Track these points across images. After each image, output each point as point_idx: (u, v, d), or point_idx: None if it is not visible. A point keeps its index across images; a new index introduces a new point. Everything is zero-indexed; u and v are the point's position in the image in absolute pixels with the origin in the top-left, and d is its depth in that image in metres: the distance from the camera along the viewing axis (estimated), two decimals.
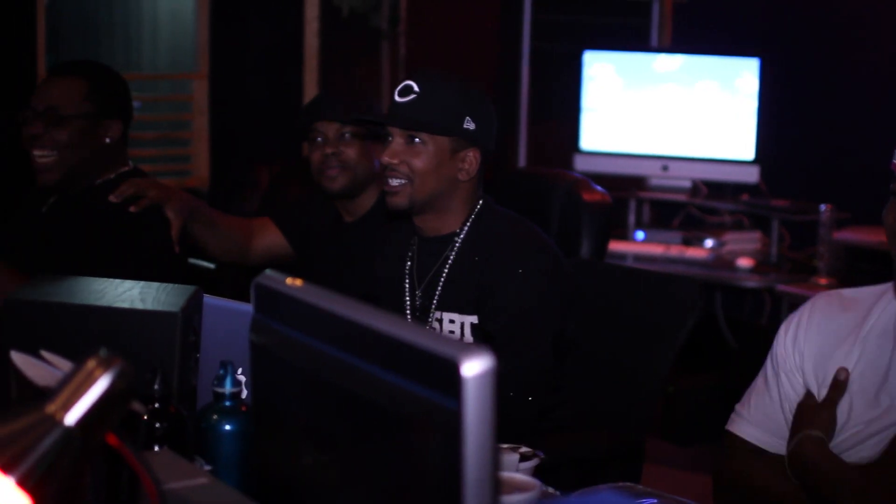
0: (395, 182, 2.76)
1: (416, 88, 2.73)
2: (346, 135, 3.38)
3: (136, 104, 5.53)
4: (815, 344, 2.24)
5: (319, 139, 3.39)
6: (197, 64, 5.59)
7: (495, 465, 1.29)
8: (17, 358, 1.68)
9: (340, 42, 5.91)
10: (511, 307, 2.73)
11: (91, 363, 1.33)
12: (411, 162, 2.74)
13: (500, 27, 6.02)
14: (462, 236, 2.83)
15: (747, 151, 5.56)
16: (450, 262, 2.83)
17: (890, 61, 5.47)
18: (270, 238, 3.63)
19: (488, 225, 2.83)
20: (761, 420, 2.29)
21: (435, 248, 2.86)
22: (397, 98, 2.76)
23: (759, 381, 2.34)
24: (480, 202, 2.86)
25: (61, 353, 1.72)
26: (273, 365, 1.62)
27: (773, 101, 5.54)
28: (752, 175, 5.56)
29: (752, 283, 5.28)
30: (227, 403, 1.89)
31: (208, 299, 2.16)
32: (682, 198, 5.74)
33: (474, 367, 1.26)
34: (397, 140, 2.76)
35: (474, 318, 2.77)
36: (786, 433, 2.23)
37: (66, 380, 1.33)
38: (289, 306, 1.58)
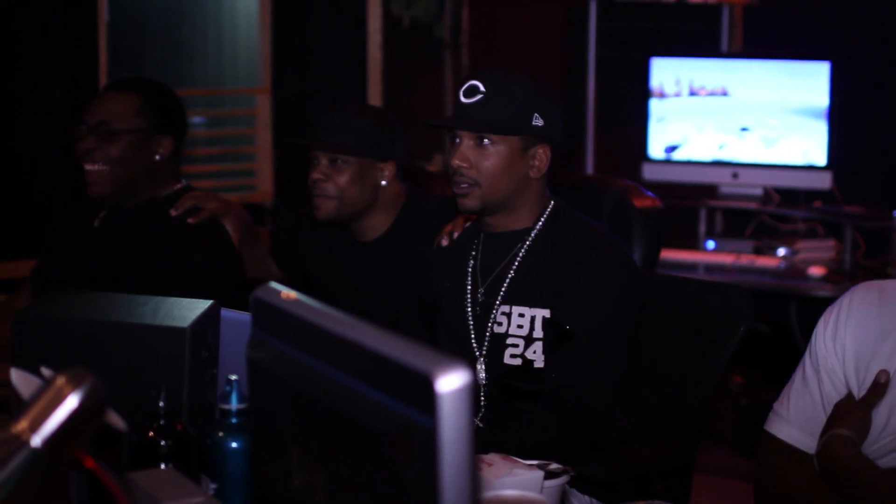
0: (463, 185, 2.71)
1: (481, 88, 2.67)
2: (339, 161, 3.23)
3: (198, 119, 5.58)
4: (855, 339, 2.15)
5: (315, 161, 3.27)
6: (260, 79, 5.59)
7: (473, 482, 1.24)
8: (16, 375, 1.65)
9: (403, 53, 5.88)
10: (590, 303, 2.68)
11: (60, 380, 1.30)
12: (480, 165, 2.69)
13: (565, 35, 5.95)
14: (535, 232, 2.78)
15: (819, 157, 5.43)
16: (520, 256, 2.77)
17: None
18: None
19: (565, 223, 2.78)
20: (801, 420, 2.20)
21: (503, 245, 2.81)
22: (463, 99, 2.70)
23: (797, 378, 2.25)
24: (552, 201, 2.81)
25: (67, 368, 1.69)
26: (267, 380, 1.58)
27: (845, 106, 5.41)
28: (824, 181, 5.44)
29: (824, 292, 5.14)
30: (234, 420, 1.85)
31: (229, 313, 2.12)
32: (753, 206, 5.63)
33: (450, 383, 1.20)
34: (466, 142, 2.71)
35: (546, 312, 2.70)
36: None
37: (35, 398, 1.30)
38: (283, 321, 1.54)
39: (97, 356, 1.88)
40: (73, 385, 1.29)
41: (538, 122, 2.68)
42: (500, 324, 2.75)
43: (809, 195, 5.59)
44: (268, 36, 5.55)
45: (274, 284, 1.63)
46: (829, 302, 5.38)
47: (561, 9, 5.79)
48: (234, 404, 1.84)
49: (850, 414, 2.07)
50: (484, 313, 2.79)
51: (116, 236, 3.28)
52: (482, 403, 2.74)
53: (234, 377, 1.84)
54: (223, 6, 5.59)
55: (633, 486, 2.70)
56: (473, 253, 2.86)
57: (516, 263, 2.78)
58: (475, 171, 2.69)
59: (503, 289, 2.77)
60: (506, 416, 2.71)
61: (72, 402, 1.28)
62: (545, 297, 2.71)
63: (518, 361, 2.71)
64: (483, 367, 2.75)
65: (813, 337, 2.22)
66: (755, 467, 2.27)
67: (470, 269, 2.85)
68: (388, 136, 3.29)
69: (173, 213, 3.23)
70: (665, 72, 5.65)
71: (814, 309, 5.59)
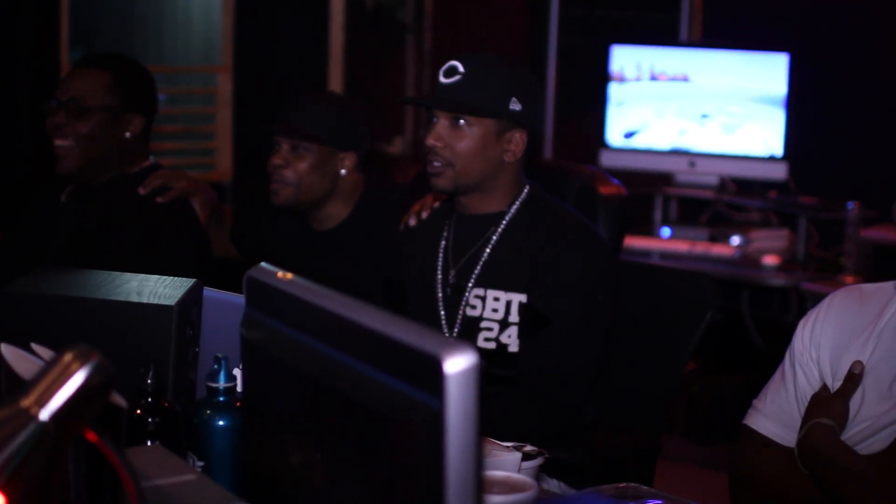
0: (437, 164, 2.72)
1: (461, 69, 2.69)
2: (301, 147, 3.22)
3: (161, 97, 5.55)
4: (831, 337, 2.22)
5: (276, 146, 3.26)
6: (221, 57, 5.57)
7: (479, 463, 1.26)
8: (7, 350, 1.65)
9: (366, 36, 5.88)
10: (567, 288, 2.69)
11: (68, 356, 1.31)
12: (455, 145, 2.70)
13: (527, 22, 5.98)
14: (510, 215, 2.80)
15: (776, 148, 5.49)
16: (494, 239, 2.79)
17: None
18: None
19: (541, 207, 2.80)
20: (776, 413, 2.27)
21: (476, 226, 2.82)
22: (442, 79, 2.71)
23: (776, 375, 2.32)
24: (528, 186, 2.82)
25: (55, 347, 1.69)
26: (262, 360, 1.59)
27: (802, 98, 5.48)
28: (780, 172, 5.50)
29: (778, 281, 5.21)
30: (221, 398, 1.85)
31: (210, 292, 2.13)
32: (709, 194, 5.68)
33: (457, 364, 1.22)
34: (441, 122, 2.72)
35: (523, 297, 2.72)
36: (798, 427, 2.21)
37: (42, 373, 1.30)
38: (279, 301, 1.55)
39: (83, 333, 1.87)
40: (81, 361, 1.30)
41: (515, 106, 2.69)
42: (473, 307, 2.77)
43: (765, 185, 5.65)
44: (230, 15, 5.54)
45: (266, 265, 1.64)
46: (781, 291, 5.47)
47: None
48: (221, 382, 1.85)
49: (829, 404, 2.13)
50: (455, 295, 2.80)
51: (84, 213, 3.27)
52: None
53: (222, 355, 1.85)
54: None
55: (601, 471, 2.73)
56: (445, 234, 2.87)
57: (490, 246, 2.79)
58: (449, 152, 2.70)
59: (476, 271, 2.79)
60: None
61: (79, 378, 1.29)
62: (521, 281, 2.72)
63: (492, 345, 2.73)
64: None
65: (794, 336, 2.29)
66: (732, 460, 2.32)
67: (441, 251, 2.86)
68: (352, 126, 3.29)
69: (141, 191, 3.22)
70: (626, 57, 5.68)
71: (766, 298, 5.66)
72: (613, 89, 5.69)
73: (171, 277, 2.06)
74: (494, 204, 2.80)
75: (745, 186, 5.72)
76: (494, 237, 2.79)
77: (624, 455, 2.84)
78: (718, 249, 5.36)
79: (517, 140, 2.74)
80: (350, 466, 1.40)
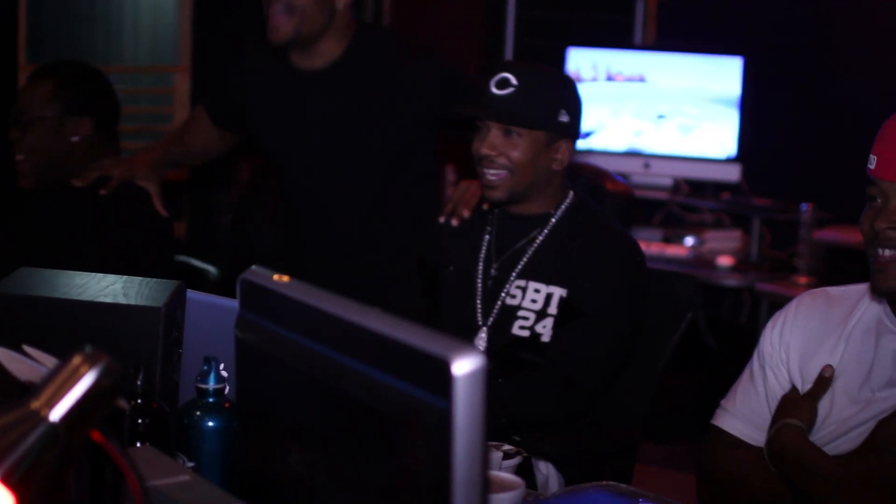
0: (493, 172, 2.82)
1: (513, 81, 2.78)
2: None
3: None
4: (800, 340, 2.27)
5: None
6: (178, 57, 5.56)
7: (485, 464, 1.29)
8: (1, 352, 1.66)
9: None
10: (605, 288, 2.81)
11: (77, 359, 1.32)
12: (509, 153, 2.80)
13: (485, 24, 6.01)
14: (556, 218, 2.90)
15: (729, 150, 5.56)
16: (539, 239, 2.89)
17: (873, 60, 5.48)
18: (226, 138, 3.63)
19: (586, 213, 2.91)
20: (746, 414, 2.31)
21: (522, 225, 2.91)
22: (495, 90, 2.79)
23: (744, 376, 2.36)
24: (571, 191, 2.93)
25: (44, 348, 1.70)
26: (259, 362, 1.60)
27: (755, 100, 5.54)
28: (733, 174, 5.56)
29: (731, 281, 5.27)
30: (211, 400, 1.87)
31: (192, 294, 2.14)
32: (663, 196, 5.74)
33: (465, 366, 1.25)
34: (494, 132, 2.81)
35: (563, 292, 2.83)
36: (766, 427, 2.25)
37: (52, 376, 1.31)
38: (276, 303, 1.57)
39: (70, 335, 1.89)
40: (90, 364, 1.31)
41: (564, 118, 2.82)
42: (513, 296, 2.87)
43: (718, 187, 5.71)
44: (188, 13, 5.53)
45: (259, 268, 1.66)
46: (734, 292, 5.52)
47: None
48: (211, 384, 1.87)
49: (798, 406, 2.17)
50: (495, 287, 2.90)
51: (41, 221, 3.27)
52: None
53: (212, 357, 1.86)
54: None
55: (582, 466, 2.79)
56: (489, 229, 2.96)
57: (536, 244, 2.89)
58: (505, 159, 2.80)
59: (521, 265, 2.88)
60: (500, 380, 2.81)
61: (88, 380, 1.30)
62: (563, 277, 2.83)
63: (526, 333, 2.84)
64: (485, 336, 2.87)
65: (761, 338, 2.34)
66: (701, 460, 2.36)
67: (485, 244, 2.95)
68: None
69: (77, 183, 3.22)
70: (582, 59, 5.73)
71: (718, 298, 5.72)
72: None
73: (156, 280, 2.07)
74: (540, 207, 2.90)
75: (698, 188, 5.78)
76: (540, 237, 2.89)
77: (606, 450, 2.89)
78: (673, 250, 5.41)
79: (564, 149, 2.85)
80: (354, 467, 1.42)
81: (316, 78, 3.36)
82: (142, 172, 3.30)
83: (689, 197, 5.75)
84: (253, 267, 1.66)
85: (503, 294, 2.88)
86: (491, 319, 2.88)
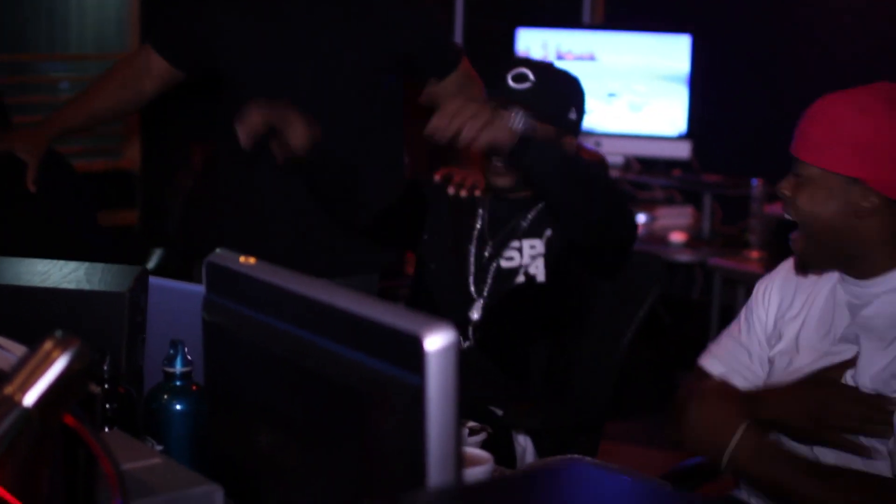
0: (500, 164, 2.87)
1: (531, 77, 2.82)
2: None
3: (63, 84, 5.51)
4: (776, 302, 2.38)
5: None
6: (126, 43, 5.52)
7: (458, 439, 1.30)
8: None
9: None
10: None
11: (48, 344, 1.32)
12: None
13: (435, 4, 6.00)
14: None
15: (679, 127, 5.60)
16: (531, 215, 2.94)
17: (822, 36, 5.53)
18: (157, 69, 3.48)
19: None
20: (725, 357, 2.42)
21: (512, 207, 2.96)
22: (513, 84, 2.83)
23: (733, 324, 2.48)
24: None
25: (9, 336, 1.70)
26: (227, 344, 1.61)
27: (704, 78, 5.58)
28: (684, 151, 5.61)
29: (684, 257, 5.32)
30: (178, 383, 1.88)
31: (154, 280, 2.14)
32: (614, 174, 5.77)
33: (437, 342, 1.26)
34: None
35: (549, 231, 2.90)
36: (744, 371, 2.37)
37: (24, 361, 1.32)
38: (242, 285, 1.57)
39: (36, 322, 1.89)
40: (62, 348, 1.32)
41: (572, 115, 2.89)
42: (510, 258, 2.92)
43: (669, 164, 5.76)
44: (136, 1, 5.49)
45: (223, 251, 1.66)
46: (687, 267, 5.57)
47: None
48: (178, 367, 1.88)
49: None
50: (489, 262, 2.94)
51: None
52: (466, 343, 2.89)
53: (178, 341, 1.87)
54: None
55: (556, 440, 2.82)
56: (480, 212, 3.00)
57: (527, 221, 2.94)
58: None
59: (512, 242, 2.93)
60: (498, 341, 2.87)
61: (60, 365, 1.31)
62: (547, 224, 2.91)
63: (522, 279, 2.90)
64: (480, 306, 2.91)
65: (753, 292, 2.44)
66: (679, 394, 2.39)
67: (478, 228, 2.99)
68: None
69: None
70: (532, 39, 5.75)
71: (670, 274, 5.77)
72: None
73: (118, 265, 2.07)
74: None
75: (649, 165, 5.82)
76: (531, 214, 2.94)
77: (575, 426, 2.93)
78: None
79: (569, 144, 2.90)
80: (326, 446, 1.44)
81: None
82: (22, 145, 3.30)
83: (640, 174, 5.79)
84: (218, 250, 1.67)
85: (498, 260, 2.93)
86: (486, 289, 2.92)
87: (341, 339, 1.38)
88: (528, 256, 2.91)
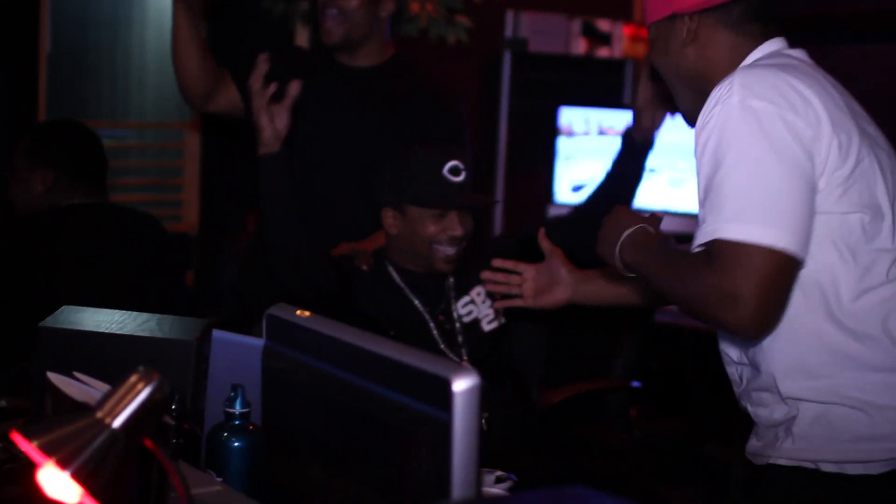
0: (453, 251, 3.10)
1: (461, 167, 3.04)
2: None
3: (131, 152, 5.77)
4: None
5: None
6: (189, 113, 5.79)
7: (479, 468, 1.53)
8: (54, 378, 1.90)
9: None
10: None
11: (134, 377, 1.57)
12: (469, 230, 3.11)
13: (480, 84, 6.22)
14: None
15: None
16: (451, 280, 3.16)
17: None
18: (227, 92, 3.70)
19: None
20: None
21: (434, 282, 3.14)
22: (452, 178, 3.03)
23: None
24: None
25: (91, 376, 1.95)
26: (283, 386, 1.85)
27: None
28: None
29: None
30: (237, 422, 2.11)
31: (216, 333, 2.38)
32: None
33: (463, 384, 1.49)
34: (456, 215, 3.07)
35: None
36: None
37: (113, 390, 1.56)
38: (299, 335, 1.81)
39: (115, 364, 2.12)
40: (146, 381, 1.56)
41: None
42: (469, 313, 3.15)
43: None
44: None
45: (282, 305, 1.91)
46: None
47: (476, 59, 6.06)
48: (238, 408, 2.11)
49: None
50: (451, 328, 3.13)
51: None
52: None
53: (239, 385, 2.10)
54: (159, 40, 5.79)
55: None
56: (411, 296, 3.13)
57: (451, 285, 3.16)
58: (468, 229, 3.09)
59: (452, 301, 3.15)
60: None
61: (144, 394, 1.55)
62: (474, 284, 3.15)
63: (494, 325, 3.18)
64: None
65: None
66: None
67: (420, 306, 3.13)
68: None
69: None
70: (574, 115, 5.94)
71: (706, 346, 5.90)
72: (562, 143, 5.91)
73: (187, 318, 2.32)
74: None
75: (686, 242, 5.96)
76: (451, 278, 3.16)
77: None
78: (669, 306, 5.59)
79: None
80: (367, 474, 1.67)
81: (358, 74, 3.57)
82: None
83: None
84: (278, 304, 1.92)
85: (457, 321, 3.13)
86: (463, 352, 3.11)
87: (381, 382, 1.61)
88: (482, 305, 3.13)
